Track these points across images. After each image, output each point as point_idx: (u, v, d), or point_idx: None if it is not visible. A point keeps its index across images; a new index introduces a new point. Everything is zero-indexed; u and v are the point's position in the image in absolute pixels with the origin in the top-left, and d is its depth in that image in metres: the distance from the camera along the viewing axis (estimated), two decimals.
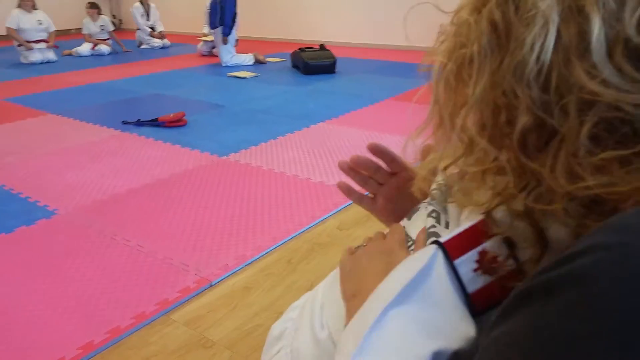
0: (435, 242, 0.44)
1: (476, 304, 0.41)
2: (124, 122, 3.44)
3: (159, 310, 1.54)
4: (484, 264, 0.42)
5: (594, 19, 0.33)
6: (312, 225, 2.03)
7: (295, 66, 5.53)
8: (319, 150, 2.88)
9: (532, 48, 0.35)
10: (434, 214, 0.54)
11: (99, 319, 1.50)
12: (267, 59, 6.09)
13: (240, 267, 1.75)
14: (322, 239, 1.93)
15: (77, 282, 1.68)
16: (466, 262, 0.42)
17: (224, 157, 2.81)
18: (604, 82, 0.32)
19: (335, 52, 5.57)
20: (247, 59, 5.90)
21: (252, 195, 2.31)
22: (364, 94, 4.26)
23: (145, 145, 3.05)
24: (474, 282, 0.41)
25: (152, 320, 1.50)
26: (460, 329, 0.40)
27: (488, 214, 0.41)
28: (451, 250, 0.43)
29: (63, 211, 2.18)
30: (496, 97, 0.37)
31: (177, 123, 3.39)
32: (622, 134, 0.33)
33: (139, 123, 3.41)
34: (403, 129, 3.24)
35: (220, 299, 1.60)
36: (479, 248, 0.42)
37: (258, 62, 5.94)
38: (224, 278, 1.70)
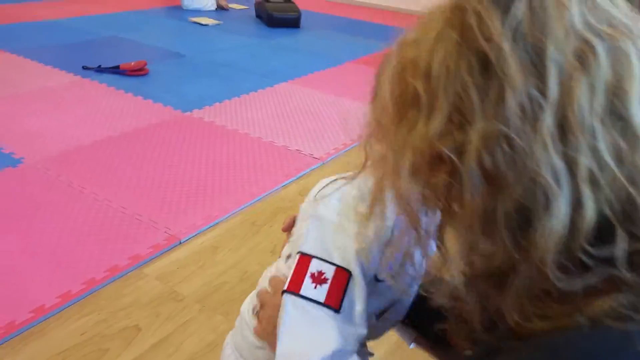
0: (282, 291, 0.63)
1: (332, 304, 0.59)
2: (84, 68, 3.38)
3: (131, 264, 1.66)
4: (317, 279, 0.60)
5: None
6: (275, 189, 2.17)
7: (259, 16, 5.46)
8: (282, 112, 2.98)
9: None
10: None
11: (74, 270, 1.61)
12: (230, 5, 5.97)
13: (208, 226, 1.88)
14: (285, 204, 2.08)
15: (50, 234, 1.76)
16: (307, 287, 0.60)
17: (188, 113, 2.86)
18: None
19: (301, 5, 5.54)
20: (209, 3, 5.75)
21: (217, 155, 2.41)
22: (328, 54, 4.32)
23: (107, 94, 3.04)
24: (320, 293, 0.60)
25: (126, 274, 1.63)
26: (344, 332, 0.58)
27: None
28: (294, 288, 0.61)
29: (30, 160, 2.21)
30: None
31: (138, 72, 3.36)
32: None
33: (100, 69, 3.37)
34: (363, 95, 3.36)
35: (190, 256, 1.73)
36: (308, 273, 0.61)
37: (220, 7, 5.81)
38: (193, 236, 1.83)
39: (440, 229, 0.46)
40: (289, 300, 0.61)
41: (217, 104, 3.02)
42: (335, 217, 0.63)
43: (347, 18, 6.01)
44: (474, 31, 0.39)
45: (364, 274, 0.61)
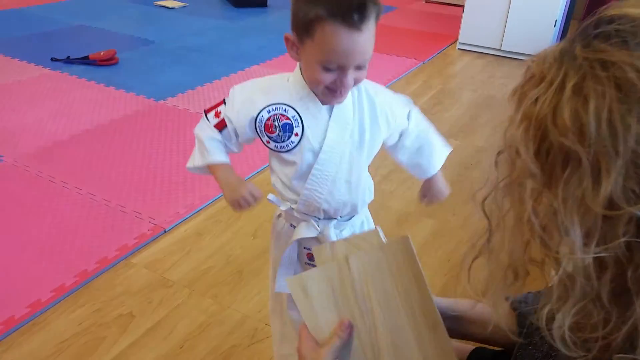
0: None
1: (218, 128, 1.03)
2: (53, 59, 3.36)
3: (120, 255, 1.74)
4: (217, 115, 1.03)
5: None
6: (253, 174, 2.25)
7: None
8: None
9: None
10: None
11: (66, 264, 1.68)
12: None
13: (190, 214, 1.97)
14: (264, 187, 2.16)
15: (37, 230, 1.82)
16: (211, 115, 1.05)
17: (162, 102, 2.89)
18: None
19: None
20: None
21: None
22: None
23: (79, 86, 3.04)
24: (214, 120, 1.05)
25: (115, 264, 1.71)
26: None
27: None
28: (207, 111, 1.06)
29: (9, 158, 2.24)
30: None
31: (108, 62, 3.36)
32: None
33: (69, 60, 3.35)
34: None
35: (175, 244, 1.82)
36: (215, 110, 1.04)
37: None
38: (177, 225, 1.91)
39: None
40: (203, 117, 1.04)
41: (190, 90, 3.06)
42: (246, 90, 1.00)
43: None
44: (637, 86, 0.39)
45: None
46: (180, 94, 3.00)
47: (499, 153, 0.51)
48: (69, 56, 3.38)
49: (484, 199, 0.53)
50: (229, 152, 1.05)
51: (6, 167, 2.18)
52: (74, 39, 3.93)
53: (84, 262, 1.69)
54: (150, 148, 2.41)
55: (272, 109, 0.94)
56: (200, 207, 2.01)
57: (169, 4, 5.04)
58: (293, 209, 1.01)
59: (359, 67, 0.87)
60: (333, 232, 1.01)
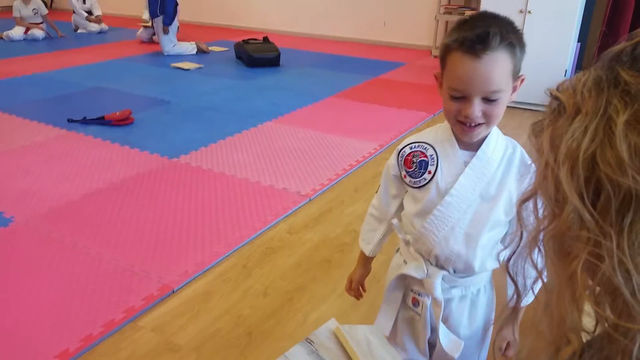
0: None
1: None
2: (70, 120, 3.44)
3: (126, 317, 1.68)
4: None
5: None
6: (264, 230, 2.21)
7: (239, 57, 5.59)
8: (267, 152, 3.04)
9: None
10: None
11: (71, 327, 1.62)
12: (210, 48, 6.10)
13: (199, 273, 1.92)
14: (274, 243, 2.12)
15: (44, 292, 1.78)
16: None
17: (175, 159, 2.91)
18: None
19: (278, 42, 5.69)
20: (190, 48, 5.89)
21: (206, 200, 2.45)
22: (308, 91, 4.43)
23: (94, 146, 3.09)
24: None
25: (121, 327, 1.65)
26: None
27: None
28: None
29: (21, 219, 2.24)
30: None
31: (124, 122, 3.43)
32: None
33: (85, 121, 3.43)
34: (344, 129, 3.46)
35: (183, 305, 1.76)
36: None
37: (201, 51, 5.95)
38: (185, 284, 1.86)
39: None
40: None
41: (203, 148, 3.08)
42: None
43: (325, 53, 6.16)
44: None
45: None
46: (194, 151, 3.03)
47: (521, 202, 0.46)
48: (85, 117, 3.46)
49: (509, 259, 0.47)
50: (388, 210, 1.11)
51: (18, 228, 2.18)
52: (90, 100, 4.03)
53: (90, 325, 1.63)
54: (161, 205, 2.40)
55: (414, 146, 1.02)
56: (210, 266, 1.96)
57: (185, 66, 5.20)
58: (409, 242, 1.03)
59: (487, 100, 0.88)
60: (439, 284, 0.99)
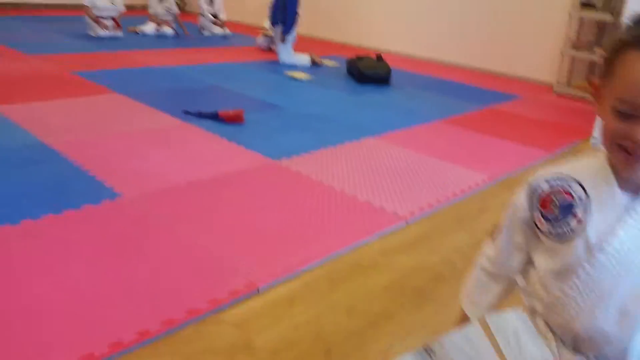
0: None
1: None
2: (185, 112, 3.61)
3: (210, 308, 1.66)
4: None
5: None
6: (355, 246, 2.12)
7: (350, 73, 5.61)
8: (367, 167, 2.97)
9: None
10: None
11: (153, 309, 1.64)
12: (324, 62, 6.19)
13: (286, 277, 1.87)
14: (364, 262, 2.03)
15: (130, 270, 1.82)
16: None
17: (277, 161, 2.93)
18: None
19: (391, 62, 5.64)
20: (304, 59, 6.02)
21: (300, 205, 2.42)
22: (417, 112, 4.32)
23: (204, 138, 3.20)
24: None
25: (204, 317, 1.63)
26: None
27: None
28: None
29: (127, 195, 2.35)
30: None
31: (235, 120, 3.53)
32: None
33: (200, 115, 3.58)
34: (451, 155, 3.30)
35: (266, 306, 1.71)
36: None
37: (314, 63, 6.05)
38: (271, 286, 1.81)
39: None
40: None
41: (305, 154, 3.07)
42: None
43: (436, 77, 6.01)
44: None
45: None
46: (295, 156, 3.03)
47: None
48: (200, 111, 3.61)
49: None
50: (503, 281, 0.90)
51: (121, 204, 2.28)
52: (207, 96, 4.23)
53: (173, 310, 1.63)
54: (258, 203, 2.40)
55: (555, 182, 0.77)
56: (297, 271, 1.90)
57: (298, 75, 5.31)
58: (536, 312, 0.79)
59: None
60: None
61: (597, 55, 5.37)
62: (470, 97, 5.08)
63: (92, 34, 6.42)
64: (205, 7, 7.56)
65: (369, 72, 5.23)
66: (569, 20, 5.54)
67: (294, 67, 5.79)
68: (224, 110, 3.59)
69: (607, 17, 5.24)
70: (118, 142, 2.99)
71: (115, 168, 2.64)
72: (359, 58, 5.48)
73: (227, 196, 2.46)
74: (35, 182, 2.41)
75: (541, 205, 0.77)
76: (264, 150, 3.06)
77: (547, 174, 0.79)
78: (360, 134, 3.55)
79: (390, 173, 2.92)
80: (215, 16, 7.64)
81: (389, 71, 5.28)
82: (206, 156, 2.92)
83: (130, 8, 8.47)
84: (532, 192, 0.80)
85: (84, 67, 4.73)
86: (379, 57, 5.53)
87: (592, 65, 5.77)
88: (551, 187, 0.77)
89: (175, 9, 7.20)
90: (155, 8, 7.04)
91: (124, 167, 2.66)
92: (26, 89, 3.90)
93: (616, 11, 5.17)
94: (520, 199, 0.82)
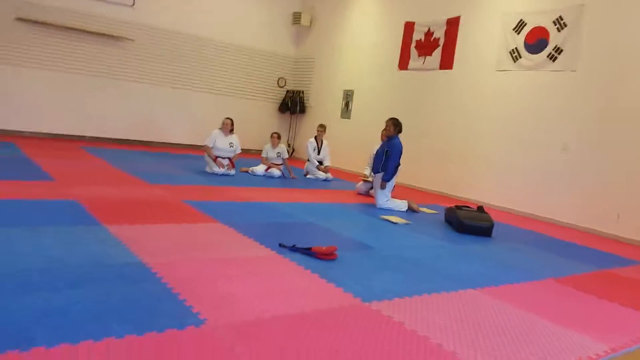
0: None
1: None
2: (281, 245, 3.63)
3: None
4: None
5: None
6: None
7: (448, 221, 5.48)
8: (468, 321, 2.69)
9: None
10: None
11: None
12: (421, 209, 6.16)
13: None
14: None
15: None
16: None
17: (367, 303, 2.76)
18: None
19: (492, 215, 5.44)
20: (402, 205, 6.03)
21: (393, 356, 2.18)
22: (522, 267, 4.00)
23: (295, 272, 3.15)
24: None
25: None
26: None
27: None
28: None
29: (212, 323, 2.28)
30: None
31: (328, 256, 3.48)
32: None
33: (294, 249, 3.58)
34: (564, 318, 2.91)
35: None
36: None
37: (411, 209, 6.03)
38: None
39: None
40: None
41: (398, 299, 2.88)
42: None
43: (541, 234, 5.66)
44: None
45: None
46: (387, 300, 2.84)
47: None
48: (294, 245, 3.62)
49: None
50: None
51: (206, 331, 2.20)
52: (303, 232, 4.27)
53: None
54: (345, 347, 2.20)
55: None
56: None
57: (394, 219, 5.27)
58: None
59: None
60: None
61: None
62: (582, 258, 4.66)
63: (208, 170, 7.03)
64: (312, 154, 8.09)
65: (469, 222, 5.06)
66: None
67: (390, 211, 5.80)
68: (318, 246, 3.57)
69: None
70: (212, 268, 3.03)
71: (205, 293, 2.63)
72: (459, 207, 5.37)
73: (312, 335, 2.30)
74: (127, 300, 2.44)
75: None
76: (354, 290, 2.92)
77: None
78: (458, 284, 3.31)
79: (494, 330, 2.60)
80: (320, 162, 8.11)
81: (491, 222, 5.08)
82: (295, 290, 2.83)
83: (246, 151, 9.34)
84: None
85: (194, 197, 5.08)
86: (480, 208, 5.38)
87: None
88: None
89: (286, 154, 7.77)
90: (268, 152, 7.65)
91: (213, 293, 2.64)
92: (137, 212, 4.21)
93: None
94: None
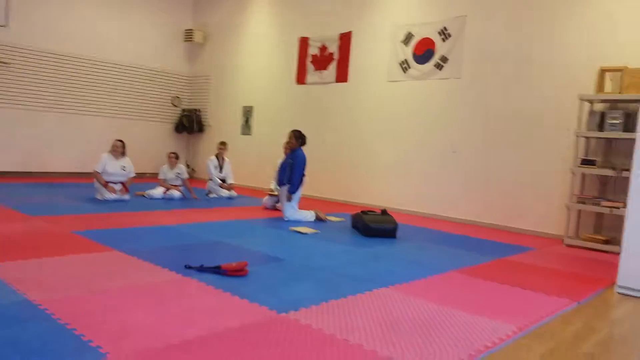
0: None
1: None
2: (187, 267, 3.43)
3: None
4: None
5: None
6: None
7: (355, 227, 5.56)
8: (384, 319, 2.69)
9: None
10: None
11: None
12: (328, 217, 6.19)
13: None
14: None
15: None
16: None
17: (283, 314, 2.66)
18: None
19: (396, 218, 5.62)
20: (309, 215, 6.02)
21: None
22: (428, 263, 4.14)
23: (204, 292, 2.97)
24: None
25: None
26: None
27: None
28: None
29: (114, 355, 2.05)
30: None
31: (238, 272, 3.33)
32: None
33: (202, 269, 3.39)
34: (473, 306, 3.03)
35: None
36: None
37: (319, 219, 6.04)
38: None
39: None
40: None
41: (314, 306, 2.82)
42: None
43: (444, 232, 5.94)
44: None
45: None
46: (304, 308, 2.77)
47: None
48: (202, 265, 3.44)
49: None
50: None
51: None
52: (210, 252, 4.08)
53: None
54: None
55: None
56: None
57: (303, 230, 5.24)
58: None
59: None
60: None
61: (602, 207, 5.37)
62: (482, 250, 4.94)
63: (99, 197, 6.54)
64: (214, 172, 7.85)
65: (374, 226, 5.16)
66: (572, 177, 5.65)
67: (298, 222, 5.76)
68: (227, 263, 3.41)
69: (608, 172, 5.35)
70: (110, 299, 2.76)
71: (105, 325, 2.37)
72: (364, 212, 5.47)
73: (227, 355, 2.16)
74: (17, 343, 2.13)
75: None
76: (269, 303, 2.82)
77: None
78: (371, 285, 3.33)
79: (410, 326, 2.63)
80: (223, 180, 7.89)
81: (395, 224, 5.22)
82: (205, 310, 2.66)
83: (141, 175, 8.84)
84: None
85: (85, 227, 4.67)
86: (384, 212, 5.52)
87: (598, 217, 5.74)
88: None
89: (185, 175, 7.45)
90: (166, 174, 7.29)
91: (115, 324, 2.39)
92: (20, 247, 3.77)
93: (617, 167, 5.29)
94: None
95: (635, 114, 5.19)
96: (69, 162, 9.28)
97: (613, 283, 3.87)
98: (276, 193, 6.64)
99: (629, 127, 5.27)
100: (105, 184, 6.53)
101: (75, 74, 9.21)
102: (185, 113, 10.71)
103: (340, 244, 4.74)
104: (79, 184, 8.16)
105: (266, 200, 6.87)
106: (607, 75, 5.52)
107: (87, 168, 9.04)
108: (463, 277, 3.77)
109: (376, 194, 7.73)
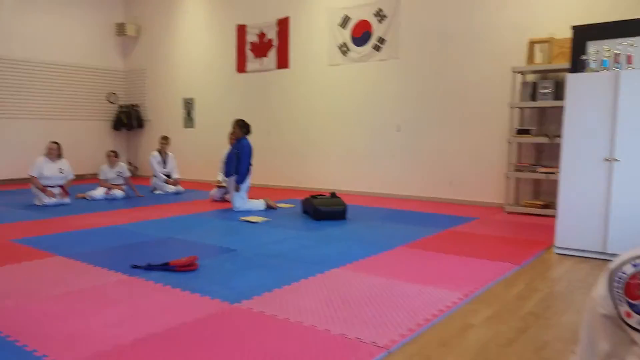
0: None
1: None
2: (133, 267, 3.34)
3: None
4: None
5: None
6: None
7: (305, 212, 5.58)
8: (336, 299, 2.73)
9: None
10: None
11: None
12: (278, 205, 6.19)
13: None
14: None
15: None
16: None
17: (236, 304, 2.66)
18: None
19: (345, 200, 5.68)
20: (259, 204, 5.99)
21: (268, 348, 2.12)
22: (377, 241, 4.22)
23: (153, 291, 2.91)
24: None
25: None
26: None
27: None
28: None
29: None
30: None
31: (188, 267, 3.28)
32: None
33: (149, 267, 3.31)
34: (421, 277, 3.13)
35: None
36: None
37: (269, 207, 6.03)
38: None
39: None
40: None
41: (267, 293, 2.82)
42: None
43: (391, 209, 6.07)
44: None
45: None
46: (257, 296, 2.77)
47: None
48: (149, 263, 3.36)
49: None
50: None
51: None
52: (158, 249, 3.99)
53: None
54: (218, 354, 2.08)
55: None
56: None
57: (253, 219, 5.21)
58: None
59: None
60: None
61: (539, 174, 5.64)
62: (428, 223, 5.08)
63: (38, 202, 6.24)
64: (158, 168, 7.65)
65: (324, 209, 5.21)
66: (508, 147, 5.89)
67: (248, 212, 5.73)
68: (176, 259, 3.35)
69: (542, 139, 5.61)
70: (55, 306, 2.65)
71: (50, 334, 2.29)
72: (313, 197, 5.50)
73: (183, 349, 2.13)
74: None
75: (627, 293, 0.63)
76: (221, 295, 2.80)
77: (628, 256, 0.65)
78: (322, 267, 3.37)
79: (361, 302, 2.69)
80: (168, 176, 7.70)
81: (344, 206, 5.29)
82: (155, 308, 2.61)
83: (80, 177, 8.50)
84: (614, 279, 0.65)
85: (24, 234, 4.46)
86: (333, 194, 5.57)
87: (536, 183, 6.02)
88: (637, 268, 0.63)
89: (127, 173, 7.22)
90: (107, 174, 7.04)
91: (60, 331, 2.31)
92: None
93: (551, 134, 5.56)
94: (599, 291, 0.67)
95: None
96: (2, 169, 8.79)
97: (552, 245, 4.08)
98: (224, 184, 6.56)
99: (559, 95, 5.53)
100: (43, 189, 6.24)
101: (2, 77, 8.68)
102: (123, 109, 10.35)
103: (291, 230, 4.75)
104: (14, 191, 7.76)
105: (214, 192, 6.78)
106: (537, 46, 5.75)
107: (22, 174, 8.60)
108: (411, 251, 3.88)
109: (324, 178, 7.78)
